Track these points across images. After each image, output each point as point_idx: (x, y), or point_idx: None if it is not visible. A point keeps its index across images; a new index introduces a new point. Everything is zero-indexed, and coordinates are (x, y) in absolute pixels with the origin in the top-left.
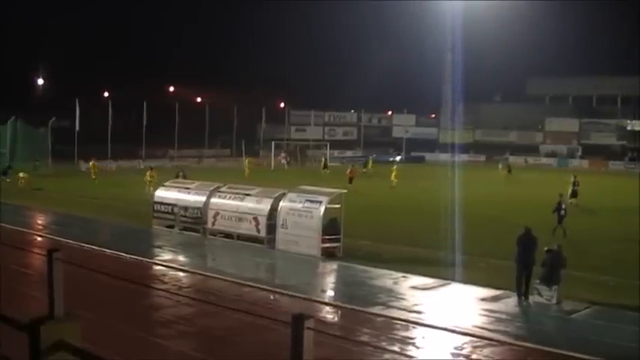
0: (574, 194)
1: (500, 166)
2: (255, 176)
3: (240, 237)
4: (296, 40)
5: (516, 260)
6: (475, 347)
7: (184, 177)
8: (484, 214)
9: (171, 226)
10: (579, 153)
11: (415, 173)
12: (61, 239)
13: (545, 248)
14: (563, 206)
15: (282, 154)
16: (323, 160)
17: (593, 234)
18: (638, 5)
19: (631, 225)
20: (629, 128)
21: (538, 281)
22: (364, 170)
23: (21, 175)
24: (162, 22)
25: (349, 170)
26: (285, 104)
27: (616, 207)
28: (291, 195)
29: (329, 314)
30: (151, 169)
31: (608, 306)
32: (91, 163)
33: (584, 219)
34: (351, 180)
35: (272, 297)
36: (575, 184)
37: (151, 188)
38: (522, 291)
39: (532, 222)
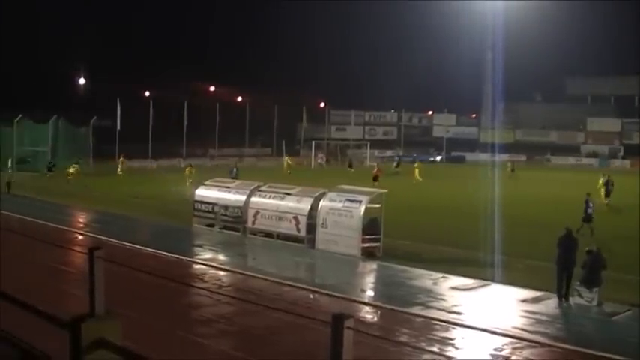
0: (607, 194)
1: (509, 165)
2: (292, 175)
3: (280, 236)
4: (336, 40)
5: (557, 262)
6: (515, 348)
7: (236, 174)
8: (522, 214)
9: (211, 225)
10: (621, 153)
11: (455, 173)
12: (102, 237)
13: (586, 249)
14: (591, 205)
15: (319, 155)
16: (348, 159)
17: (623, 233)
18: None
19: None
20: None
21: (578, 283)
22: (397, 170)
23: (71, 170)
24: (205, 23)
25: (375, 169)
26: (325, 104)
27: None
28: (331, 194)
29: (368, 314)
30: (191, 166)
31: None
32: (120, 160)
33: (616, 219)
34: (376, 178)
35: (311, 296)
36: (608, 184)
37: (190, 184)
38: (563, 292)
39: (567, 222)
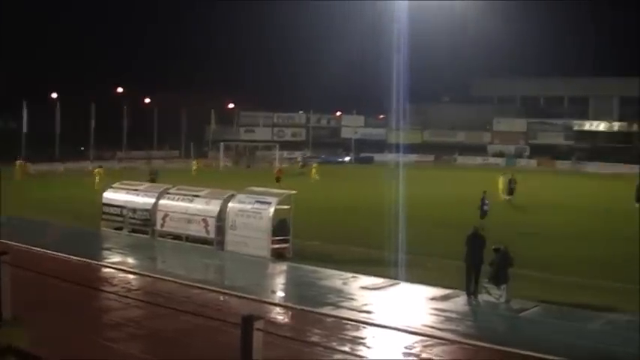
0: (510, 192)
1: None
2: (200, 177)
3: (190, 239)
4: (244, 41)
5: (465, 260)
6: (425, 346)
7: (154, 180)
8: (429, 213)
9: (119, 228)
10: (527, 153)
11: (363, 173)
12: (8, 242)
13: (493, 247)
14: (487, 202)
15: (225, 157)
16: (246, 160)
17: (526, 230)
18: (586, 7)
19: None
20: (576, 128)
21: (487, 280)
22: (302, 170)
23: None
24: (110, 23)
25: (277, 169)
26: (234, 105)
27: (557, 204)
28: (240, 196)
29: (279, 315)
30: (100, 167)
31: (555, 304)
32: (18, 163)
33: (519, 215)
34: (278, 179)
35: (222, 298)
36: (511, 182)
37: (99, 186)
38: (471, 290)
39: (473, 220)
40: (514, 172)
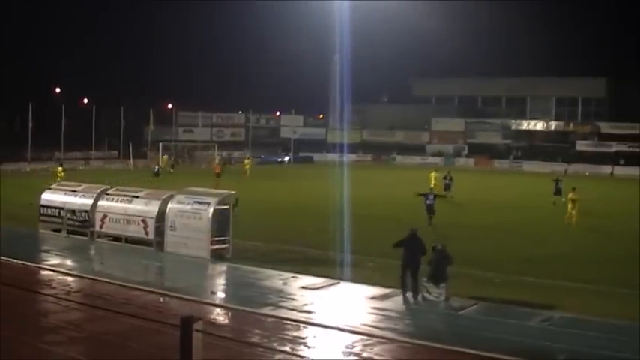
0: (447, 188)
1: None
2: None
3: (129, 240)
4: (183, 41)
5: (402, 260)
6: (366, 345)
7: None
8: (371, 213)
9: (58, 230)
10: (465, 152)
11: (303, 173)
12: None
13: (432, 245)
14: (430, 197)
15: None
16: (171, 161)
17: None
18: (522, 6)
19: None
20: (513, 128)
21: (426, 279)
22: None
23: None
24: (47, 22)
25: (215, 165)
26: (172, 105)
27: (492, 203)
28: (179, 197)
29: (219, 316)
30: (61, 165)
31: (493, 302)
32: None
33: (456, 211)
34: (218, 175)
35: (161, 300)
36: (446, 178)
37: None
38: (407, 289)
39: (414, 219)
40: (451, 170)
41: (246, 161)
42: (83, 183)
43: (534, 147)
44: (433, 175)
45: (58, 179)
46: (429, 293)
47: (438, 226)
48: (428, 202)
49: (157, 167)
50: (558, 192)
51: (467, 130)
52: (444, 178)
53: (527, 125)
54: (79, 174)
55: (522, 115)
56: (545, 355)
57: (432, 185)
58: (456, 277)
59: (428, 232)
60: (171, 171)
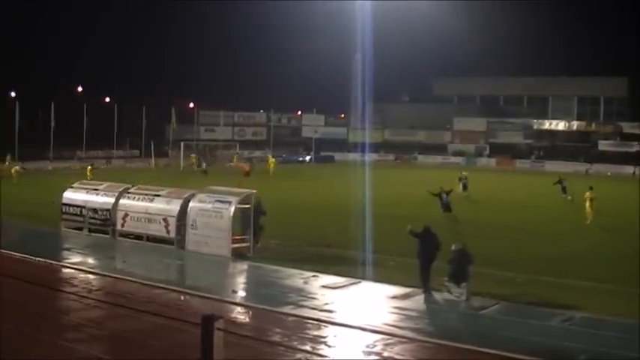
0: (464, 187)
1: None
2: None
3: (150, 238)
4: (205, 40)
5: (418, 257)
6: (386, 345)
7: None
8: (392, 213)
9: (79, 228)
10: (487, 152)
11: (324, 173)
12: None
13: (452, 247)
14: (444, 196)
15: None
16: (197, 159)
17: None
18: (543, 7)
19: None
20: (535, 127)
21: (447, 279)
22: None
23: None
24: (70, 21)
25: (245, 165)
26: (194, 104)
27: (513, 202)
28: (200, 195)
29: (240, 315)
30: (92, 165)
31: (514, 302)
32: (14, 168)
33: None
34: (247, 174)
35: (182, 298)
36: (463, 178)
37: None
38: (428, 286)
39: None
40: (472, 170)
41: (270, 160)
42: (122, 183)
43: (556, 147)
44: (464, 173)
45: (88, 177)
46: (450, 293)
47: (456, 224)
48: (444, 200)
49: (204, 165)
50: (564, 190)
51: (488, 129)
52: (459, 179)
53: (549, 125)
54: (103, 173)
55: (544, 115)
56: (567, 356)
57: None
58: (477, 276)
59: (446, 231)
60: (196, 169)
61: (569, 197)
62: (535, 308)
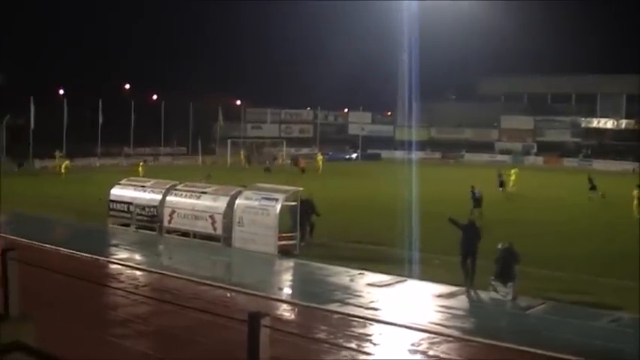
0: (501, 185)
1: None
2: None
3: (197, 235)
4: (253, 39)
5: (460, 251)
6: (432, 343)
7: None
8: (439, 211)
9: (126, 225)
10: (534, 150)
11: (371, 170)
12: (17, 239)
13: (499, 245)
14: (477, 192)
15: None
16: (244, 156)
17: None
18: (589, 5)
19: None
20: (583, 125)
21: (493, 278)
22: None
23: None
24: (117, 20)
25: (302, 162)
26: (241, 102)
27: (560, 202)
28: (247, 193)
29: (285, 312)
30: (144, 161)
31: (561, 301)
32: (65, 163)
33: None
34: (303, 170)
35: (229, 295)
36: (500, 176)
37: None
38: (469, 282)
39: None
40: (519, 169)
41: (318, 158)
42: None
43: (604, 145)
44: (513, 171)
45: (140, 174)
46: (497, 292)
47: (501, 224)
48: (476, 196)
49: (267, 162)
50: (593, 187)
51: (536, 127)
52: (498, 175)
53: (597, 123)
54: (152, 170)
55: (592, 113)
56: (613, 357)
57: (512, 181)
58: (522, 276)
59: (492, 229)
60: (247, 167)
61: (599, 194)
62: (582, 308)
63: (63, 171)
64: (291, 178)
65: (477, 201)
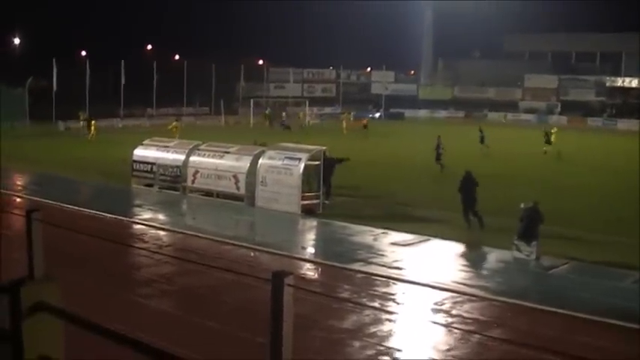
0: (482, 140)
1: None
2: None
3: (220, 195)
4: None
5: (461, 199)
6: (455, 303)
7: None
8: (461, 171)
9: (150, 185)
10: (558, 109)
11: (395, 130)
12: (41, 200)
13: (522, 205)
14: (441, 146)
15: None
16: (268, 116)
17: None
18: None
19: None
20: (607, 85)
21: (516, 237)
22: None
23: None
24: None
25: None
26: (263, 62)
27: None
28: (270, 152)
29: (309, 271)
30: (177, 120)
31: (583, 261)
32: (93, 122)
33: (548, 173)
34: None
35: (252, 254)
36: (481, 131)
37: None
38: (468, 218)
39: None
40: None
41: (343, 116)
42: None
43: (629, 104)
44: (553, 131)
45: (175, 134)
46: (520, 251)
47: (528, 182)
48: (440, 151)
49: (284, 121)
50: (548, 142)
51: (560, 86)
52: (480, 130)
53: (621, 82)
54: (186, 131)
55: (617, 72)
56: (636, 317)
57: (553, 139)
58: (546, 235)
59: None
60: (269, 126)
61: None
62: (606, 268)
63: (93, 132)
64: (318, 138)
65: (439, 155)
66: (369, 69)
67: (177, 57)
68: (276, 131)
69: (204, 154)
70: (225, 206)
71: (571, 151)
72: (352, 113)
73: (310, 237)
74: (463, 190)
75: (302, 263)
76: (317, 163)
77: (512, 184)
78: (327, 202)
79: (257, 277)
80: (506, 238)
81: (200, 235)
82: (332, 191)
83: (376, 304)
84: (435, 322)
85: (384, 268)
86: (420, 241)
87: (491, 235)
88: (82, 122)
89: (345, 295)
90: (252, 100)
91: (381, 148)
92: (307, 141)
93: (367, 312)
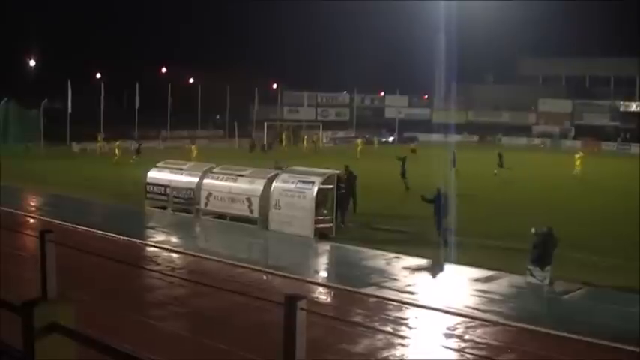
0: (500, 165)
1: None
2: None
3: (233, 218)
4: (288, 21)
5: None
6: (468, 327)
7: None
8: (474, 194)
9: (163, 207)
10: (572, 134)
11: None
12: (55, 221)
13: (533, 230)
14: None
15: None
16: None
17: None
18: None
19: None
20: (621, 109)
21: (530, 262)
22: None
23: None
24: (157, 4)
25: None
26: (277, 85)
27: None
28: (283, 176)
29: (322, 295)
30: (194, 143)
31: (597, 286)
32: (117, 144)
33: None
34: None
35: (265, 278)
36: (500, 156)
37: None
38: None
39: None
40: (556, 153)
41: (358, 142)
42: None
43: None
44: (577, 156)
45: (194, 156)
46: (534, 276)
47: (536, 208)
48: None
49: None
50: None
51: (574, 111)
52: (499, 156)
53: (636, 107)
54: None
55: (631, 97)
56: None
57: (578, 166)
58: (558, 259)
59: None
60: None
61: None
62: (620, 293)
63: (117, 153)
64: (332, 161)
65: (403, 172)
66: (382, 93)
67: (191, 80)
68: (279, 154)
69: (218, 177)
70: (238, 229)
71: (595, 176)
72: (366, 137)
73: (323, 260)
74: (436, 208)
75: (314, 287)
76: (330, 186)
77: (531, 208)
78: (342, 225)
79: (270, 300)
80: (519, 264)
81: (213, 257)
82: (351, 211)
83: (389, 329)
84: (446, 347)
85: (397, 292)
86: (435, 266)
87: (506, 259)
88: (98, 143)
89: (358, 319)
90: (265, 124)
91: (395, 171)
92: (322, 165)
93: (380, 336)
